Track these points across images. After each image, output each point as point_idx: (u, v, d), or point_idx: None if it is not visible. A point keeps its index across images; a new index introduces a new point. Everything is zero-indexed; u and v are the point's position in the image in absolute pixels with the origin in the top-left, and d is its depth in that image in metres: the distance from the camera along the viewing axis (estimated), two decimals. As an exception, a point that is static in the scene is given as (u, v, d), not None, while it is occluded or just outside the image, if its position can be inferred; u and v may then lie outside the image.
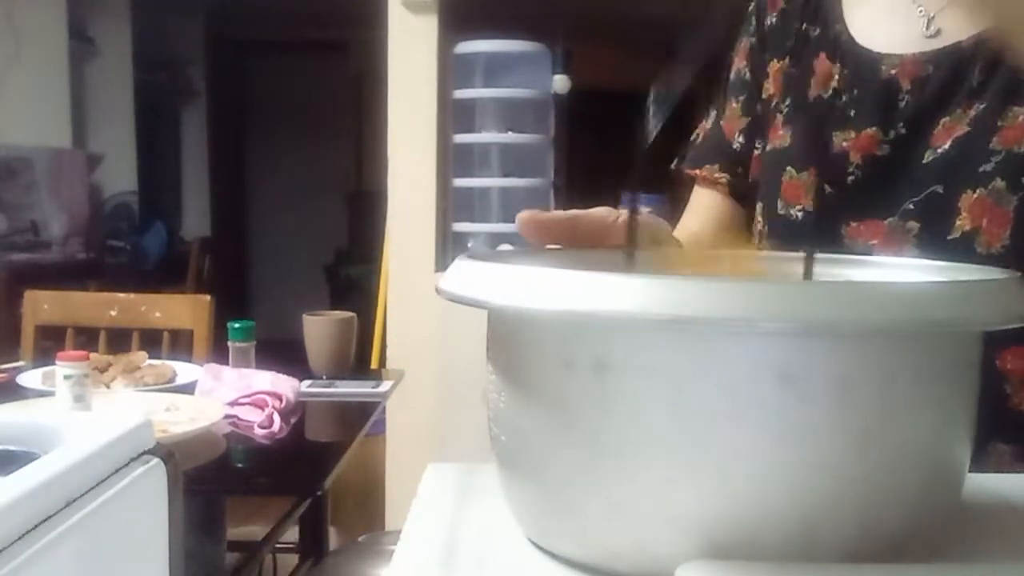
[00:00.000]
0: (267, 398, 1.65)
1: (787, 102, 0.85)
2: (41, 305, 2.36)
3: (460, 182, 3.11)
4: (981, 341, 0.49)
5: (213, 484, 1.52)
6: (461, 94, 3.09)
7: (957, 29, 0.77)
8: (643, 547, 0.44)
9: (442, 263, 2.81)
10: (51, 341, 2.28)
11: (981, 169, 0.73)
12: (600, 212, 0.64)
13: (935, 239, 0.74)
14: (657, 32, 4.24)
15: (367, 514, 2.83)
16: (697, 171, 0.94)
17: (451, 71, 3.02)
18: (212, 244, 5.82)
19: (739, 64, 0.93)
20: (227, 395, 1.67)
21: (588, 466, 0.45)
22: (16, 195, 4.62)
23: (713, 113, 0.95)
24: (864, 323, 0.40)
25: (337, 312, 2.11)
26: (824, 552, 0.43)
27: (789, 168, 0.82)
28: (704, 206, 0.94)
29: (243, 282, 6.85)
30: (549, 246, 0.63)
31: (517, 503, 0.51)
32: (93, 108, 5.36)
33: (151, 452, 0.48)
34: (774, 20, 0.89)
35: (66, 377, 1.46)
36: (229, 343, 1.88)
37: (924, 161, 0.76)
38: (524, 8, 3.48)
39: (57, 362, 1.48)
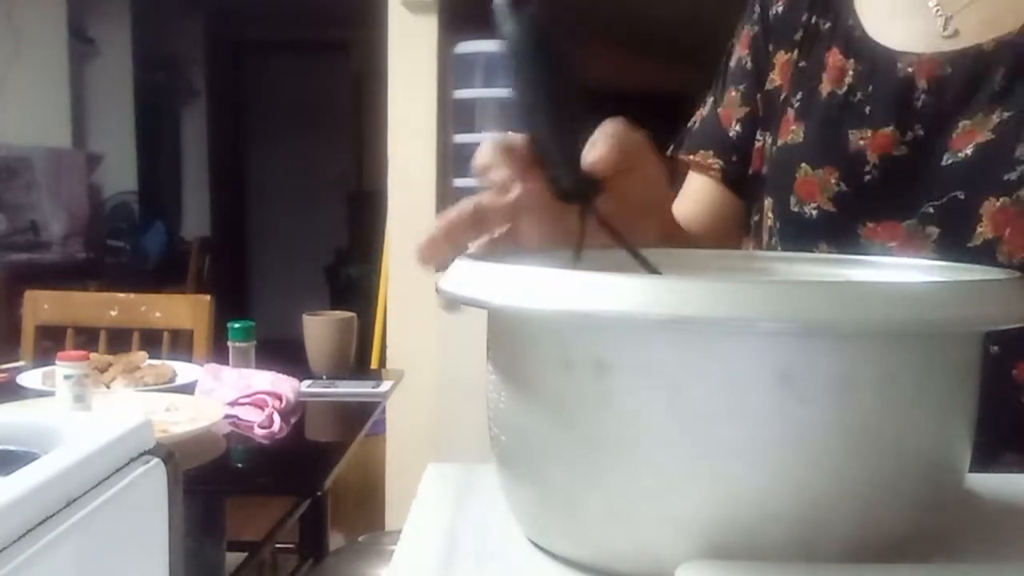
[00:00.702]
0: (267, 398, 1.65)
1: (798, 96, 0.84)
2: (41, 305, 2.36)
3: (460, 182, 3.10)
4: (981, 341, 0.49)
5: (213, 484, 1.52)
6: (461, 94, 3.08)
7: (977, 31, 0.76)
8: (643, 547, 0.44)
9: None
10: (51, 341, 2.29)
11: (1005, 177, 0.71)
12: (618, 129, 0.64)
13: (955, 245, 0.73)
14: (658, 33, 4.25)
15: (367, 514, 2.83)
16: (691, 156, 0.93)
17: (451, 71, 3.02)
18: (212, 244, 5.82)
19: (741, 52, 0.91)
20: (227, 395, 1.68)
21: (588, 466, 0.45)
22: (16, 195, 4.63)
23: (710, 100, 0.94)
24: (864, 323, 0.40)
25: (337, 312, 2.12)
26: (824, 552, 0.43)
27: (804, 165, 0.80)
28: (696, 192, 0.93)
29: (243, 282, 6.85)
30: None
31: (517, 503, 0.51)
32: (93, 108, 5.37)
33: (151, 452, 0.48)
34: (780, 10, 0.87)
35: (66, 377, 1.46)
36: (229, 343, 1.89)
37: (943, 164, 0.74)
38: (524, 8, 3.47)
39: (57, 362, 1.48)
